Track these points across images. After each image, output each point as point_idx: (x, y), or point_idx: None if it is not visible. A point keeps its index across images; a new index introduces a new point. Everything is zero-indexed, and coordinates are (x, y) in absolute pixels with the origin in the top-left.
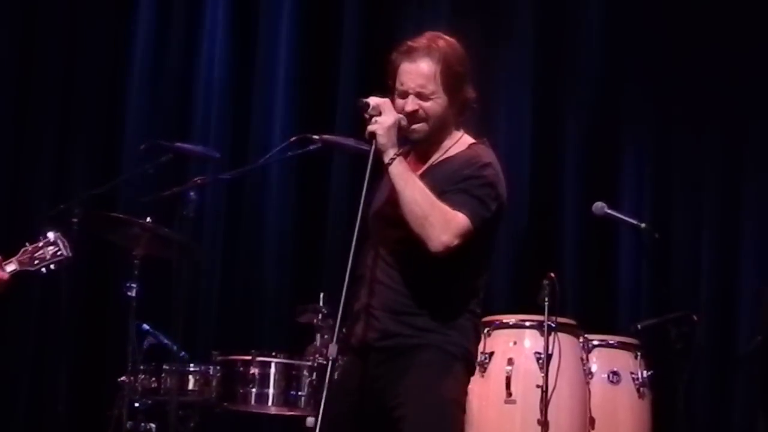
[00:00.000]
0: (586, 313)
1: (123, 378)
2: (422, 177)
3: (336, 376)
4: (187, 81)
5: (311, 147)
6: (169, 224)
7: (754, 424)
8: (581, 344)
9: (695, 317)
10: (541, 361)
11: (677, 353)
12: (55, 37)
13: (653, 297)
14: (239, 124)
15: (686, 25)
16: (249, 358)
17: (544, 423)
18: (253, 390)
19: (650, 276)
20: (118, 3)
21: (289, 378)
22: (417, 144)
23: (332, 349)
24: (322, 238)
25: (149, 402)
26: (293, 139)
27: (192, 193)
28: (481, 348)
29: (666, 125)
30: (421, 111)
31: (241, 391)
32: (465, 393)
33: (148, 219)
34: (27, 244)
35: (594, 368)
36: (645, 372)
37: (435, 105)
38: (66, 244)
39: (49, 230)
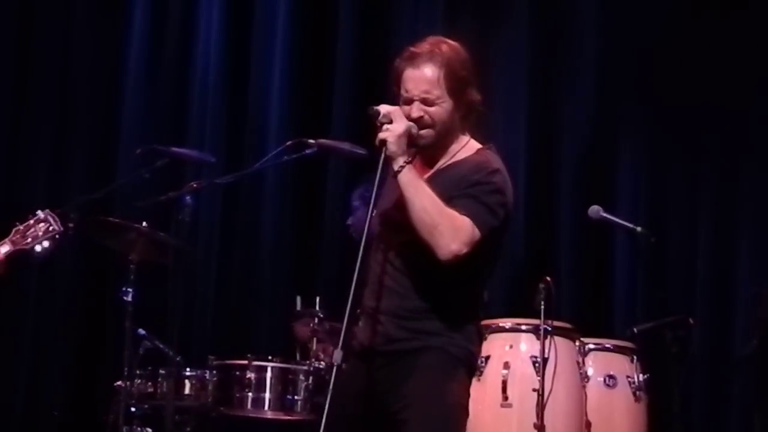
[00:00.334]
0: (582, 316)
1: (119, 383)
2: (429, 182)
3: (332, 379)
4: (183, 85)
5: (307, 151)
6: (165, 229)
7: (750, 427)
8: (577, 348)
9: (691, 321)
10: (537, 365)
11: (673, 357)
12: (50, 41)
13: (649, 301)
14: (235, 129)
15: (684, 28)
16: (245, 362)
17: (540, 427)
18: (250, 394)
19: (646, 279)
20: (112, 7)
21: (285, 382)
22: (423, 149)
23: (337, 355)
24: (317, 243)
25: (145, 407)
26: (289, 143)
27: (188, 198)
28: None
29: (662, 129)
30: (426, 117)
31: (237, 395)
32: (468, 396)
33: (144, 224)
34: (17, 223)
35: (590, 372)
36: (641, 375)
37: (440, 110)
38: (56, 219)
39: (39, 209)
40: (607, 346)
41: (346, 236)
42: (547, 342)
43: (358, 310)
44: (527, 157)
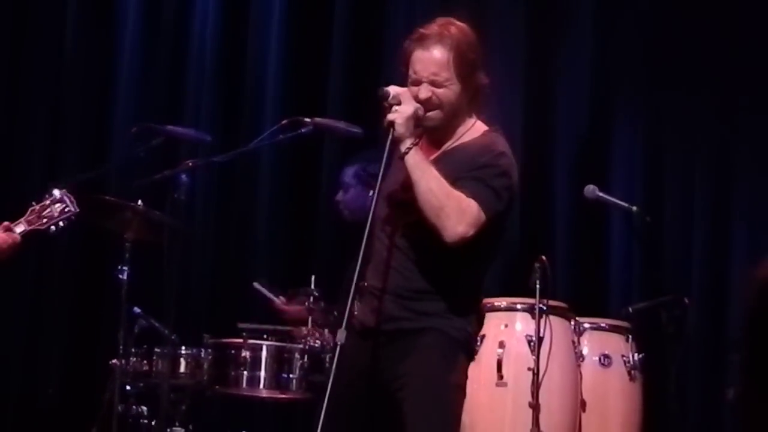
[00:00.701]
0: (577, 296)
1: (114, 361)
2: (435, 163)
3: (336, 358)
4: (179, 63)
5: (303, 130)
6: (161, 208)
7: None
8: (572, 327)
9: (686, 300)
10: (532, 344)
11: (668, 336)
12: (45, 20)
13: (645, 280)
14: (231, 107)
15: (681, 10)
16: (240, 341)
17: (535, 406)
18: (245, 373)
19: (642, 259)
20: None
21: (280, 361)
22: (430, 130)
23: (341, 335)
24: (313, 221)
25: (140, 385)
26: (285, 122)
27: (183, 177)
28: None
29: (658, 108)
30: (434, 98)
31: (232, 374)
32: (465, 377)
33: (139, 202)
34: (33, 203)
35: (585, 351)
36: (636, 355)
37: (448, 92)
38: (72, 199)
39: (53, 188)
40: (603, 325)
41: (338, 213)
42: (542, 321)
43: (360, 289)
44: (523, 136)
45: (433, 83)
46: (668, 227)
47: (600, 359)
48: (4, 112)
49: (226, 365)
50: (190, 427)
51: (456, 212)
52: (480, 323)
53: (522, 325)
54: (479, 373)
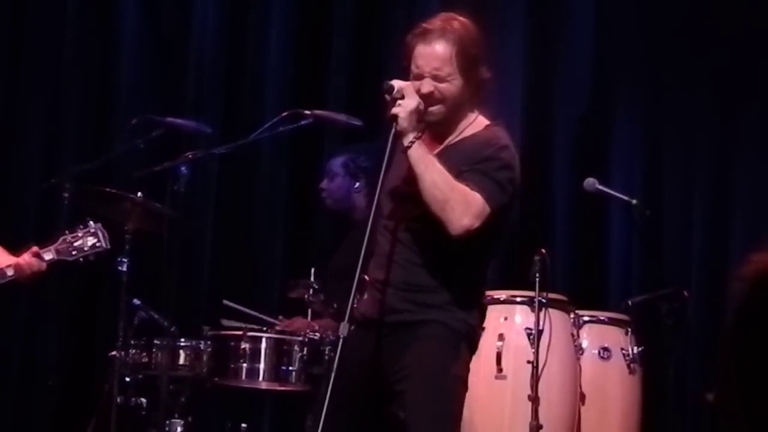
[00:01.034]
0: (576, 289)
1: (114, 353)
2: (438, 157)
3: (339, 351)
4: (179, 55)
5: (303, 122)
6: (161, 199)
7: None
8: (572, 320)
9: (686, 293)
10: (531, 337)
11: (668, 329)
12: (45, 9)
13: (644, 273)
14: (231, 99)
15: (680, 3)
16: (240, 333)
17: (534, 399)
18: (244, 365)
19: (641, 252)
20: None
21: (280, 353)
22: (433, 125)
23: (344, 328)
24: (313, 214)
25: (140, 377)
26: (285, 114)
27: (183, 168)
28: None
29: (658, 101)
30: (437, 93)
31: (232, 366)
32: (467, 370)
33: (139, 194)
34: (66, 231)
35: (585, 344)
36: (635, 348)
37: (451, 87)
38: (105, 235)
39: (90, 219)
40: (602, 318)
41: (320, 200)
42: (541, 314)
43: (362, 282)
44: (523, 129)
45: (436, 78)
46: (668, 220)
47: (599, 352)
48: (4, 103)
49: (226, 357)
50: (190, 418)
51: (461, 205)
52: (483, 316)
53: (521, 317)
54: (478, 365)
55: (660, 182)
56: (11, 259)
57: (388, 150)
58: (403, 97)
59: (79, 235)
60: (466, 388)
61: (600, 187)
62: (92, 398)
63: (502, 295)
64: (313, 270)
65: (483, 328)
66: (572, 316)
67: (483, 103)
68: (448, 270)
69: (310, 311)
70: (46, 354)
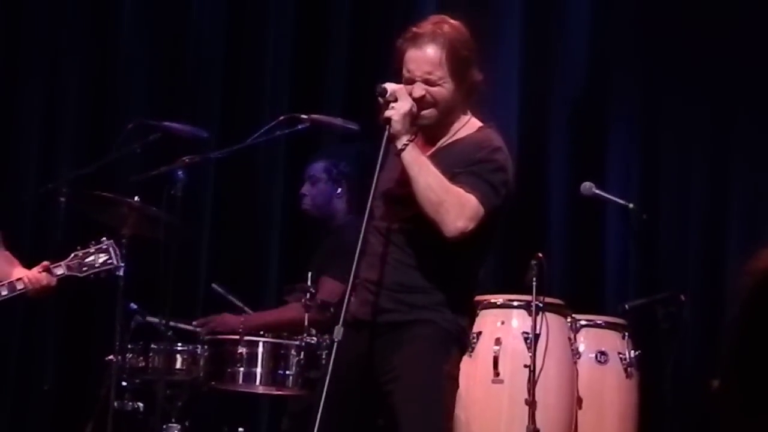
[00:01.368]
0: (573, 293)
1: (110, 357)
2: (431, 159)
3: (333, 354)
4: (176, 59)
5: (300, 126)
6: (157, 204)
7: None
8: (569, 324)
9: (683, 297)
10: (528, 341)
11: (664, 333)
12: (41, 13)
13: (641, 277)
14: (228, 103)
15: (677, 5)
16: (237, 337)
17: (531, 403)
18: (241, 369)
19: (638, 256)
20: None
21: (276, 357)
22: (425, 128)
23: (338, 332)
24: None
25: (136, 381)
26: (282, 118)
27: (180, 173)
28: None
29: (655, 105)
30: (428, 97)
31: (228, 370)
32: (458, 369)
33: (136, 198)
34: (78, 247)
35: (581, 348)
36: (632, 352)
37: (443, 90)
38: (117, 252)
39: (103, 236)
40: (599, 322)
41: (300, 205)
42: (538, 318)
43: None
44: (519, 133)
45: (427, 82)
46: (664, 224)
47: (596, 356)
48: (1, 106)
49: (223, 361)
50: (187, 423)
51: (455, 207)
52: (473, 318)
53: (518, 321)
54: (475, 369)
55: (657, 186)
56: (22, 272)
57: (381, 153)
58: (396, 100)
59: (91, 251)
60: (456, 386)
61: (597, 191)
62: (89, 403)
63: (499, 299)
64: (310, 274)
65: (479, 333)
66: (569, 320)
67: (476, 106)
68: (440, 271)
69: (306, 315)
70: (43, 358)
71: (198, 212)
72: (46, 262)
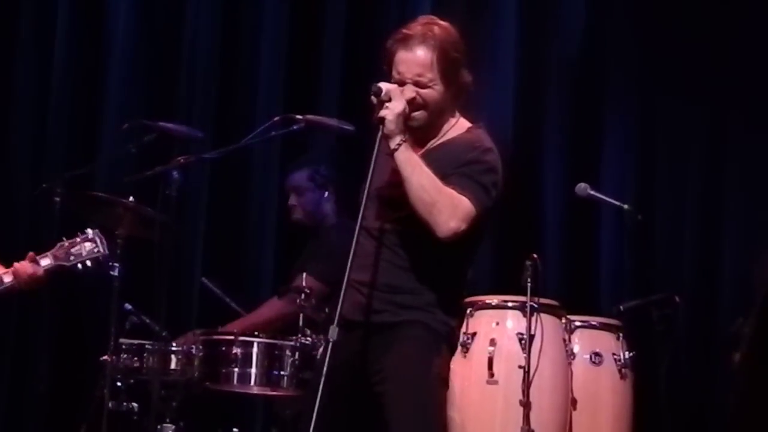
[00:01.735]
0: (568, 294)
1: (105, 357)
2: (421, 160)
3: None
4: (171, 60)
5: (295, 127)
6: (152, 204)
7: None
8: (563, 325)
9: (677, 299)
10: (523, 342)
11: (659, 335)
12: (35, 13)
13: (636, 278)
14: (223, 104)
15: (672, 7)
16: (231, 337)
17: (526, 404)
18: (236, 370)
19: (633, 257)
20: None
21: (271, 358)
22: (414, 129)
23: (332, 332)
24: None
25: (131, 381)
26: (277, 118)
27: (175, 173)
28: (463, 329)
29: (650, 106)
30: (419, 98)
31: (223, 370)
32: (448, 369)
33: (131, 199)
34: (64, 238)
35: (576, 349)
36: (627, 353)
37: (433, 92)
38: (103, 241)
39: (88, 227)
40: (593, 323)
41: (291, 217)
42: (533, 319)
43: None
44: (513, 133)
45: (418, 84)
46: (659, 225)
47: (591, 357)
48: None
49: (217, 362)
50: (181, 423)
51: (448, 207)
52: (462, 318)
53: (513, 322)
54: (470, 370)
55: (652, 187)
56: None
57: (375, 153)
58: (390, 100)
59: (77, 241)
60: (446, 387)
61: (592, 192)
62: (84, 403)
63: (493, 300)
64: (304, 275)
65: (474, 333)
66: (564, 321)
67: (467, 106)
68: (430, 272)
69: (301, 316)
70: (38, 358)
71: (193, 212)
72: (31, 253)
